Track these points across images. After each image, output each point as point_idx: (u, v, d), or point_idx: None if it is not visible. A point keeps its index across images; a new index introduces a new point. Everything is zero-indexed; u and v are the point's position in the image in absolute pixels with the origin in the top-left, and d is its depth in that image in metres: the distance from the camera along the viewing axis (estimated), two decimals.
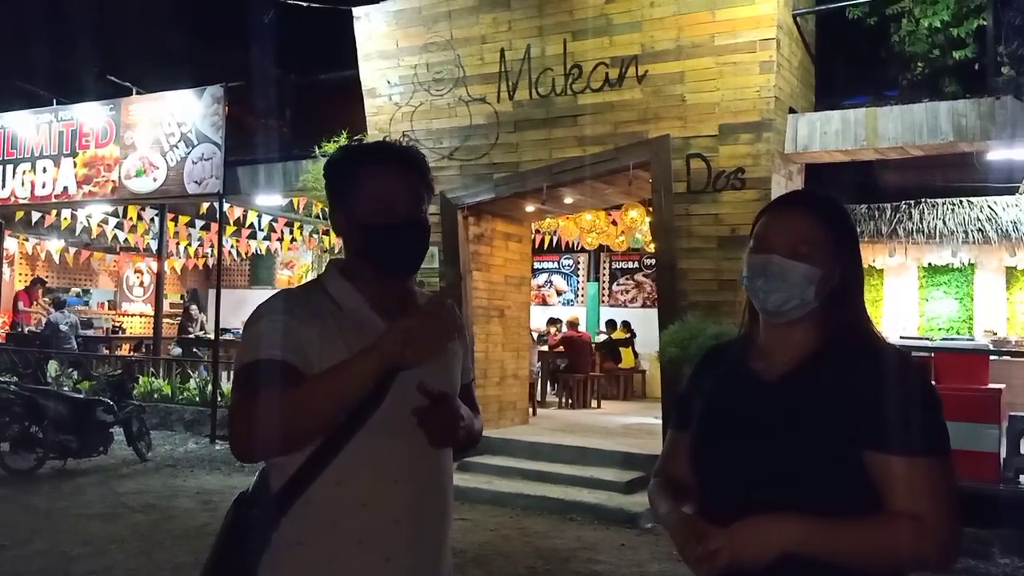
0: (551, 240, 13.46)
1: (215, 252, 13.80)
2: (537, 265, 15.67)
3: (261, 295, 1.68)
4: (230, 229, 13.69)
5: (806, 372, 1.51)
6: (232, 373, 1.57)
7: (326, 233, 13.33)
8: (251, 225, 13.79)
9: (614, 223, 11.85)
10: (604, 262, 16.21)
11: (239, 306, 12.29)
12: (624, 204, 10.84)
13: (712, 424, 1.59)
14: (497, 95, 8.62)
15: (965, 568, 5.50)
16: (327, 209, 1.75)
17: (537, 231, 12.33)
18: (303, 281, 15.31)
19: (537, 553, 5.88)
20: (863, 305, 1.58)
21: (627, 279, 16.11)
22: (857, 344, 1.51)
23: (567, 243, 13.63)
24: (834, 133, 7.64)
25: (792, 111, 7.77)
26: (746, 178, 7.42)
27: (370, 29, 9.32)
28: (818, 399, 1.46)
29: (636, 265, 15.88)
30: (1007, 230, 10.29)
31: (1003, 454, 6.42)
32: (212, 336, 13.53)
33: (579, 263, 16.66)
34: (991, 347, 9.02)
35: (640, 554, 5.87)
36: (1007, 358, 8.81)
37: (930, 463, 1.41)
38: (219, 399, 10.16)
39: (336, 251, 14.04)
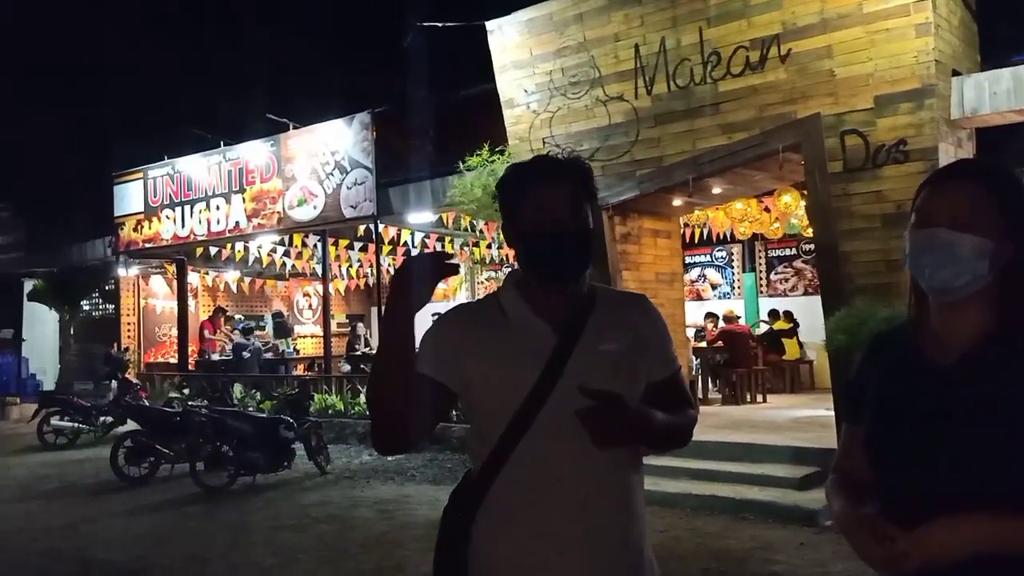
0: (701, 233, 13.17)
1: (374, 272, 14.44)
2: (688, 260, 15.34)
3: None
4: (386, 249, 14.27)
5: (988, 355, 1.39)
6: None
7: (475, 245, 13.62)
8: (405, 243, 14.31)
9: (767, 210, 11.44)
10: (759, 251, 15.69)
11: None
12: (776, 189, 10.45)
13: (887, 415, 1.49)
14: (635, 91, 8.53)
15: None
16: (500, 224, 1.90)
17: (686, 225, 12.10)
18: (456, 292, 15.84)
19: (711, 554, 5.74)
20: None
21: (785, 267, 15.50)
22: None
23: (719, 235, 13.30)
24: (1005, 93, 7.04)
25: (956, 73, 7.23)
26: (909, 150, 6.97)
27: (503, 41, 9.46)
28: (1005, 384, 1.35)
29: (794, 252, 15.26)
30: None
31: None
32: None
33: (733, 254, 16.20)
34: None
35: (821, 553, 5.61)
36: None
37: None
38: None
39: (487, 262, 14.34)
